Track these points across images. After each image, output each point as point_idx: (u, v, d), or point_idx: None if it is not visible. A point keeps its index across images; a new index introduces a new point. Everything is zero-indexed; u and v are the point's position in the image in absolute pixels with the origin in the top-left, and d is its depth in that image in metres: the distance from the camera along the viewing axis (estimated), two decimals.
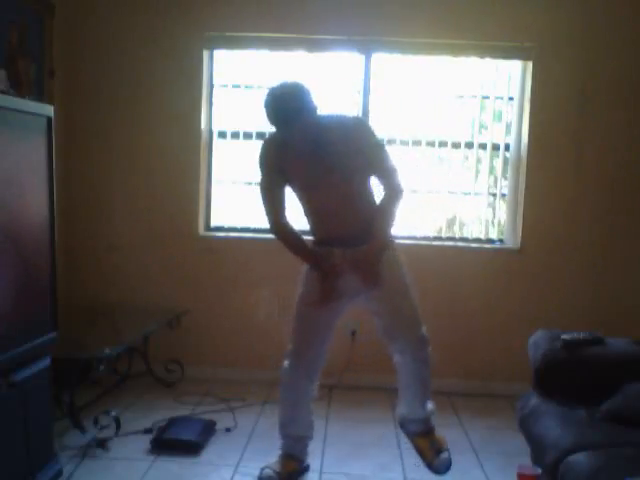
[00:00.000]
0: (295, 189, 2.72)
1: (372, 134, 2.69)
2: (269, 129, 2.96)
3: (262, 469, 2.81)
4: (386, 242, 2.68)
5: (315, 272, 2.70)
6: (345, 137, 2.60)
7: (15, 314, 2.38)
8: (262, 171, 2.72)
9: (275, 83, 2.61)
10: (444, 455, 2.74)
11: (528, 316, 3.89)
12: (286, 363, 2.82)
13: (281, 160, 2.66)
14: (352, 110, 4.05)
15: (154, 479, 2.80)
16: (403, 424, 2.84)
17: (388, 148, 2.83)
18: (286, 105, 2.50)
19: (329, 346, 2.83)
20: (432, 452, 2.74)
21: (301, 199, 2.74)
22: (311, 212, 2.74)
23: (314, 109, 2.55)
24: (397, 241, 2.82)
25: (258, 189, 2.75)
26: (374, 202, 2.72)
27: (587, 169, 3.98)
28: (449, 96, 4.13)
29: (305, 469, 2.91)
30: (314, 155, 2.59)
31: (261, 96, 2.61)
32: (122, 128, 4.07)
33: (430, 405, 2.82)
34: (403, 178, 2.70)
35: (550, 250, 4.03)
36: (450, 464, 2.73)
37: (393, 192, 2.66)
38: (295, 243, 2.73)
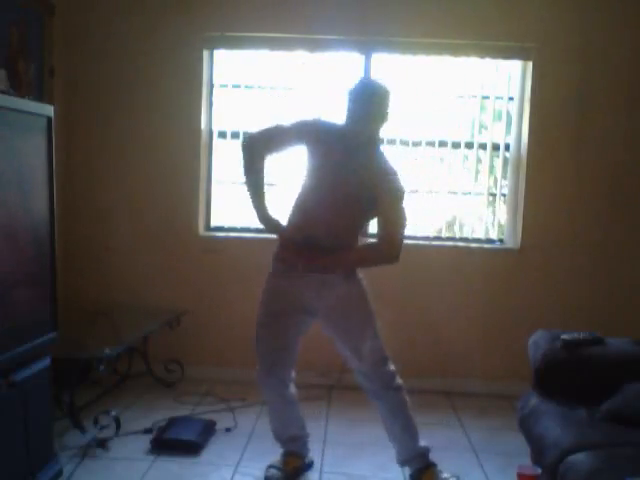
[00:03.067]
0: (308, 174, 2.65)
1: (398, 194, 2.58)
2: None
3: (268, 468, 2.83)
4: (344, 265, 2.63)
5: (276, 281, 2.67)
6: (373, 181, 2.55)
7: (15, 314, 2.38)
8: (294, 124, 2.64)
9: (379, 81, 2.67)
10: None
11: (528, 316, 3.90)
12: (259, 381, 2.77)
13: (319, 141, 2.59)
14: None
15: (154, 479, 2.80)
16: (405, 465, 2.83)
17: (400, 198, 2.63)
18: (375, 108, 2.54)
19: (296, 356, 2.77)
20: None
21: (303, 190, 2.67)
22: (302, 208, 2.67)
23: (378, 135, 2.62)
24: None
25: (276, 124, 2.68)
26: (353, 242, 2.67)
27: (587, 169, 3.98)
28: (449, 96, 4.13)
29: (309, 464, 2.92)
30: (342, 168, 2.56)
31: (360, 83, 2.62)
32: (122, 128, 4.07)
33: (423, 442, 2.77)
34: (399, 248, 2.55)
35: (550, 250, 4.03)
36: None
37: (382, 253, 2.57)
38: (256, 179, 2.69)
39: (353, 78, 2.70)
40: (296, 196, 2.71)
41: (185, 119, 4.05)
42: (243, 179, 2.73)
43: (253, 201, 2.72)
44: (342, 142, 2.58)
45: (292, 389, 2.82)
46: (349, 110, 2.57)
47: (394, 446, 2.80)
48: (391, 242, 2.55)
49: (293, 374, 2.81)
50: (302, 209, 2.67)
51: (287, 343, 2.72)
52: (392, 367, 2.71)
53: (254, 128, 2.76)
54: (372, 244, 2.67)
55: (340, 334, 2.71)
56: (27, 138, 2.46)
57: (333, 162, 2.58)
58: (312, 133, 2.62)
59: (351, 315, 2.67)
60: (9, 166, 2.33)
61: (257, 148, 2.67)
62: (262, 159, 2.67)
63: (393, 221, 2.56)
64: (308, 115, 2.74)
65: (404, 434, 2.74)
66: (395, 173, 2.60)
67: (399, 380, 2.72)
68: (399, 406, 2.72)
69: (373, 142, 2.64)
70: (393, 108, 2.64)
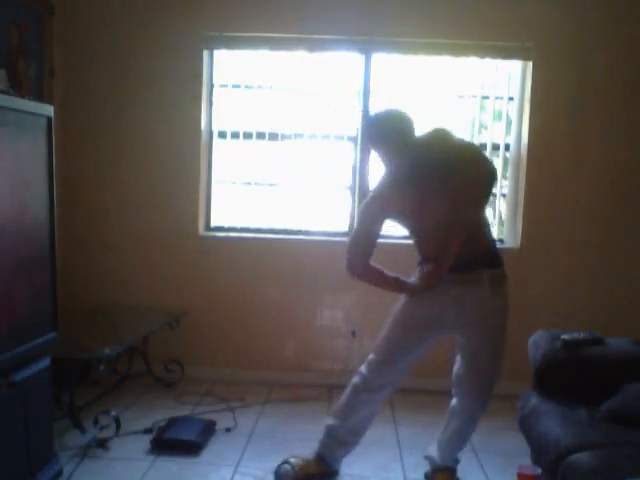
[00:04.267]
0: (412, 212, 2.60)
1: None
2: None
3: (281, 464, 2.78)
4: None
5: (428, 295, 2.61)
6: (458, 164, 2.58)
7: (15, 314, 2.38)
8: (378, 204, 2.58)
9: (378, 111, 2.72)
10: None
11: (528, 316, 3.89)
12: (365, 370, 2.72)
13: (406, 193, 2.54)
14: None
15: (154, 479, 2.80)
16: (429, 460, 2.84)
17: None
18: (401, 124, 2.60)
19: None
20: None
21: (423, 225, 2.62)
22: (436, 238, 2.59)
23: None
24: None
25: (361, 221, 2.62)
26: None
27: (587, 169, 3.98)
28: (449, 96, 4.13)
29: (328, 475, 2.82)
30: (434, 184, 2.54)
31: (370, 121, 2.68)
32: (122, 128, 4.07)
33: (459, 457, 2.82)
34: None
35: (550, 250, 4.03)
36: None
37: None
38: (379, 275, 2.63)
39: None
40: (420, 235, 2.66)
41: (185, 119, 4.05)
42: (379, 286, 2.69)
43: (398, 289, 2.68)
44: (414, 172, 2.56)
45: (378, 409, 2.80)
46: (396, 135, 2.61)
47: (435, 445, 2.80)
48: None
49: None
50: (436, 239, 2.59)
51: (416, 355, 2.71)
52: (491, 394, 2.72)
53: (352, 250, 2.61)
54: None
55: (476, 336, 2.67)
56: (27, 138, 2.46)
57: (426, 190, 2.54)
58: (396, 200, 2.56)
59: (494, 325, 2.67)
60: (9, 166, 2.33)
61: (363, 269, 2.60)
62: (370, 268, 2.59)
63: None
64: (383, 185, 2.62)
65: (453, 449, 2.77)
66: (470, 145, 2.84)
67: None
68: (473, 422, 2.76)
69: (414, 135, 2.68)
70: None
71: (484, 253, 2.63)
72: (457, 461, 2.81)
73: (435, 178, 2.53)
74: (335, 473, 2.84)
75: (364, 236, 2.58)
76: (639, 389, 2.45)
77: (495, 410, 3.71)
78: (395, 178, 2.58)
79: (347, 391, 2.75)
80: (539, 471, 2.17)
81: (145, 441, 3.10)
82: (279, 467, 2.78)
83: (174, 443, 3.06)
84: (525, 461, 2.48)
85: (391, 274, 2.63)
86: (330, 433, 2.78)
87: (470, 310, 2.59)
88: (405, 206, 2.56)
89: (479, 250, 2.61)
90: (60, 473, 2.71)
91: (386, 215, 2.59)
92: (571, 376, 2.63)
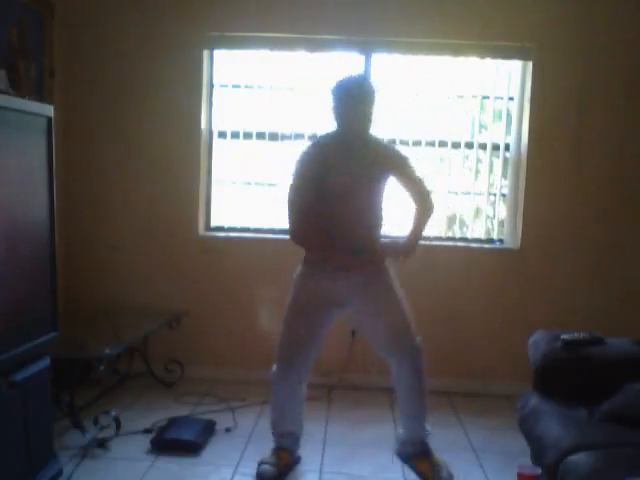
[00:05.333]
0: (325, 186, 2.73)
1: (406, 161, 2.87)
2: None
3: (260, 464, 2.85)
4: (414, 244, 2.82)
5: (306, 278, 2.79)
6: (385, 163, 2.79)
7: (15, 314, 2.38)
8: (298, 174, 2.76)
9: (355, 77, 2.76)
10: (444, 474, 2.78)
11: (528, 316, 3.90)
12: (275, 367, 2.87)
13: (321, 161, 2.73)
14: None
15: (154, 479, 2.80)
16: (402, 449, 2.91)
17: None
18: (364, 107, 2.67)
19: (318, 351, 2.88)
20: (434, 475, 2.78)
21: (323, 203, 2.75)
22: (326, 218, 2.74)
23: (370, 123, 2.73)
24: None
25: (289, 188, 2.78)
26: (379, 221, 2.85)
27: (587, 169, 3.98)
28: (449, 96, 4.13)
29: (297, 459, 2.97)
30: (346, 163, 2.71)
31: (338, 82, 2.69)
32: (122, 128, 4.07)
33: (428, 427, 2.88)
34: (432, 194, 2.91)
35: (550, 250, 4.03)
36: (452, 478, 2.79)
37: (423, 210, 2.86)
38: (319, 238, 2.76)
39: (337, 76, 2.75)
40: (319, 208, 2.75)
41: (185, 119, 4.05)
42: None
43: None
44: (340, 146, 2.74)
45: (304, 388, 2.91)
46: (338, 112, 2.69)
47: (401, 424, 2.90)
48: (424, 194, 2.87)
49: (308, 374, 2.89)
50: (328, 214, 2.73)
51: (313, 337, 2.82)
52: (417, 339, 2.81)
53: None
54: (416, 211, 2.87)
55: (370, 317, 2.80)
56: (27, 138, 2.46)
57: (338, 163, 2.71)
58: (312, 162, 2.74)
59: (379, 297, 2.78)
60: (9, 166, 2.33)
61: (303, 223, 2.75)
62: (308, 220, 2.73)
63: (416, 180, 2.86)
64: (297, 154, 2.82)
65: (416, 411, 2.86)
66: (393, 148, 3.00)
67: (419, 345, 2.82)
68: (420, 377, 2.82)
69: (366, 137, 2.79)
70: (378, 107, 2.75)
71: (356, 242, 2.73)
72: (427, 432, 2.86)
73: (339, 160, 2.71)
74: (298, 459, 2.97)
75: (290, 202, 2.76)
76: (639, 389, 2.45)
77: (495, 410, 3.74)
78: (314, 144, 2.84)
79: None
80: (539, 471, 2.17)
81: (145, 441, 3.10)
82: (258, 469, 2.84)
83: (174, 443, 3.06)
84: (525, 461, 2.49)
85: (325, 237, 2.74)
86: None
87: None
88: (314, 172, 2.73)
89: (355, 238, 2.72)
90: (60, 473, 2.71)
91: (305, 178, 2.73)
92: (571, 376, 2.63)
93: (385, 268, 2.82)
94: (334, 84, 2.70)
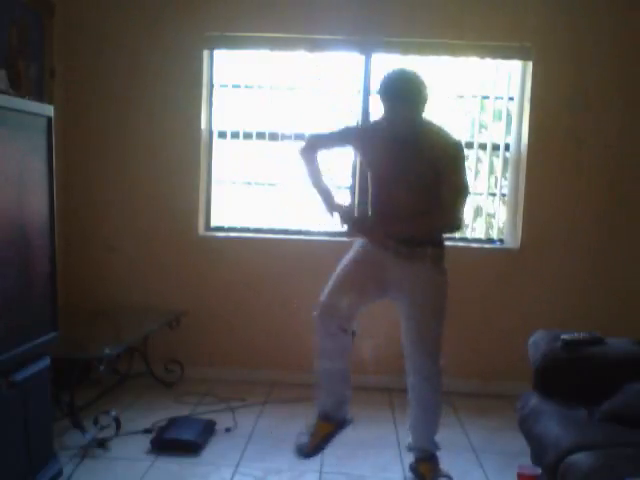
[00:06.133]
0: (371, 170, 2.80)
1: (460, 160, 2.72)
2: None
3: (299, 435, 2.88)
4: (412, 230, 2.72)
5: (368, 247, 2.75)
6: (434, 154, 2.65)
7: (15, 314, 2.38)
8: (340, 129, 2.88)
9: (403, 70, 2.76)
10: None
11: (528, 316, 3.89)
12: (315, 314, 2.80)
13: (366, 139, 2.79)
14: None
15: (154, 479, 2.80)
16: (408, 449, 2.90)
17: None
18: (410, 94, 2.68)
19: (359, 310, 2.81)
20: (433, 475, 2.76)
21: (374, 183, 2.81)
22: (375, 198, 2.80)
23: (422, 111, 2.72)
24: None
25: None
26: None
27: (587, 169, 3.98)
28: (449, 96, 4.13)
29: (345, 422, 2.89)
30: (399, 152, 2.66)
31: (389, 73, 2.69)
32: (122, 128, 4.07)
33: (438, 442, 2.83)
34: (463, 211, 2.71)
35: (550, 250, 4.03)
36: None
37: (438, 219, 2.68)
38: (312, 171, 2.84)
39: (381, 74, 2.74)
40: (371, 190, 2.81)
41: (185, 119, 4.05)
42: (308, 182, 2.87)
43: (324, 199, 2.81)
44: (390, 134, 2.70)
45: (349, 342, 2.82)
46: (387, 110, 2.67)
47: (410, 433, 2.86)
48: (449, 205, 2.63)
49: (355, 326, 2.81)
50: (380, 200, 2.78)
51: (360, 295, 2.77)
52: (440, 365, 2.77)
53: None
54: (433, 212, 2.68)
55: (419, 306, 2.72)
56: (27, 138, 2.46)
57: (388, 152, 2.70)
58: (355, 135, 2.87)
59: (426, 298, 2.71)
60: (9, 166, 2.33)
61: (308, 151, 2.85)
62: (314, 158, 2.84)
63: (451, 185, 2.64)
64: (351, 121, 2.97)
65: (426, 426, 2.82)
66: (450, 143, 2.71)
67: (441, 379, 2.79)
68: (435, 391, 2.80)
69: (419, 124, 2.74)
70: (427, 89, 2.76)
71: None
72: (437, 446, 2.82)
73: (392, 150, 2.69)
74: (346, 421, 2.89)
75: (323, 132, 2.97)
76: (639, 389, 2.45)
77: (495, 410, 3.74)
78: (367, 126, 2.99)
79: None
80: (539, 471, 2.17)
81: (145, 441, 3.10)
82: (297, 440, 2.86)
83: (174, 443, 3.06)
84: (525, 461, 2.49)
85: (326, 185, 2.82)
86: (316, 385, 2.86)
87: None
88: (359, 151, 2.92)
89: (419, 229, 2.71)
90: (60, 473, 2.71)
91: (347, 140, 2.89)
92: (571, 376, 2.63)
93: (444, 269, 2.73)
94: (382, 78, 2.69)
